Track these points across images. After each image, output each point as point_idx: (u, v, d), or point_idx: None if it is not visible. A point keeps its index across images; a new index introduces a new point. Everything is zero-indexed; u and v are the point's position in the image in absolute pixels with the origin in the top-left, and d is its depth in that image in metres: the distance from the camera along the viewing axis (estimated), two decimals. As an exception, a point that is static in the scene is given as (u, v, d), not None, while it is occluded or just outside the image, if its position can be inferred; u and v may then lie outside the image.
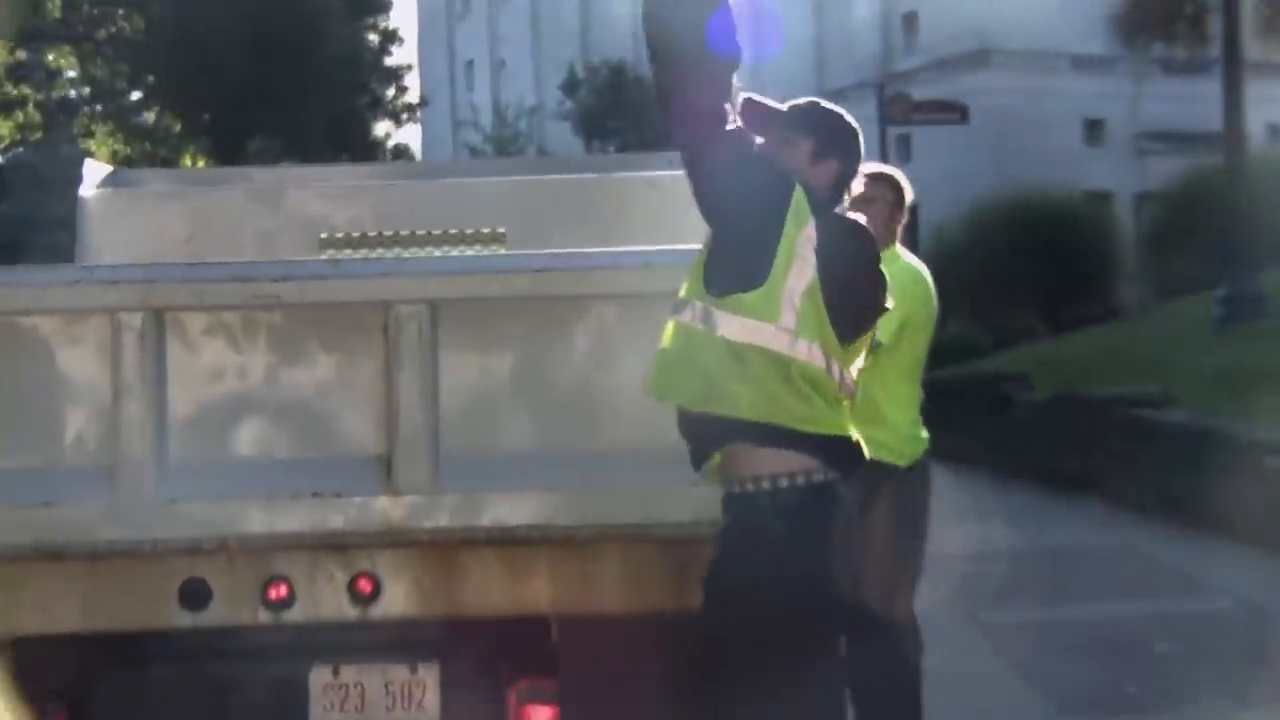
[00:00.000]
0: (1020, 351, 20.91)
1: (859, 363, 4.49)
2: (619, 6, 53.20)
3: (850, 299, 4.33)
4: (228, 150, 32.45)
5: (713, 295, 4.26)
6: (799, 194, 4.30)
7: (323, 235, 6.78)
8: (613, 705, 4.98)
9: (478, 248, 6.92)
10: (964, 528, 11.71)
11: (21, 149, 39.80)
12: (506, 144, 41.69)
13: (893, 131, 32.38)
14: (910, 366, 6.27)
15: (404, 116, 35.64)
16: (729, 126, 4.34)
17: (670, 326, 4.38)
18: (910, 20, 44.67)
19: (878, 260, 4.54)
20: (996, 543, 11.89)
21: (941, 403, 17.10)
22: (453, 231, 6.96)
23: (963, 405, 16.36)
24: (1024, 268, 24.04)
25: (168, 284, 4.75)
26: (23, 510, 4.74)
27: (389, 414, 4.83)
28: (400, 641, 4.99)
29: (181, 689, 4.97)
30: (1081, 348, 19.54)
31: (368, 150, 33.94)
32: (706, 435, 4.34)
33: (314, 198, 7.06)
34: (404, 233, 6.95)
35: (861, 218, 4.64)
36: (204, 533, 4.77)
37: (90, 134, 33.56)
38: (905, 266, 6.30)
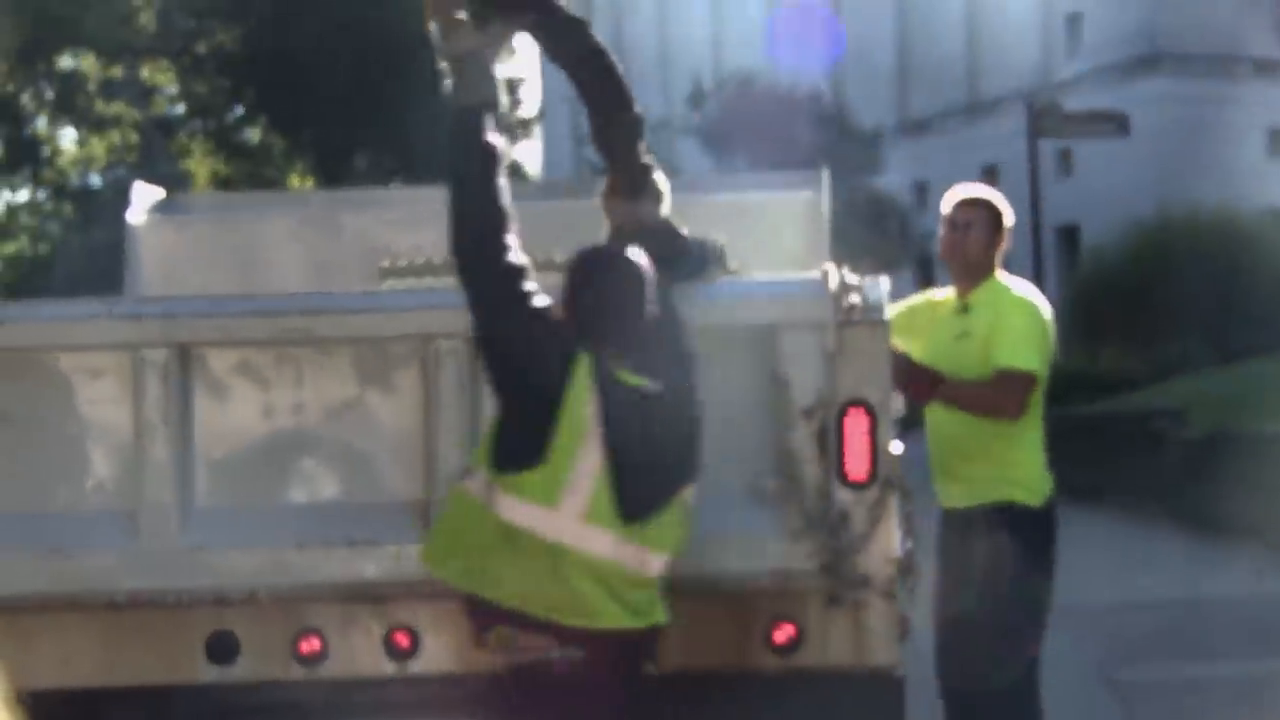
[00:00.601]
0: (1180, 383, 20.56)
1: (672, 533, 4.50)
2: (753, 11, 53.31)
3: (643, 475, 4.38)
4: (332, 168, 32.95)
5: (494, 470, 4.33)
6: (582, 363, 4.34)
7: (384, 264, 6.84)
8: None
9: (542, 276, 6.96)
10: (1099, 575, 11.55)
11: (121, 169, 40.85)
12: (631, 161, 41.73)
13: (1050, 146, 32.11)
14: (1038, 404, 6.21)
15: (519, 131, 35.94)
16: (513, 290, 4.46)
17: (455, 492, 4.45)
18: (1074, 22, 44.18)
19: (678, 422, 4.52)
20: (1136, 592, 11.70)
21: (1087, 440, 17.01)
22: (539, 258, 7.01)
23: (1109, 442, 16.07)
24: (1190, 292, 23.65)
25: (191, 318, 4.83)
26: (38, 557, 4.84)
27: (427, 456, 4.88)
28: (441, 699, 5.02)
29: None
30: (1247, 380, 19.18)
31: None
32: (475, 613, 4.45)
33: (375, 223, 7.15)
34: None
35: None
36: (231, 582, 4.85)
37: (189, 153, 34.25)
38: (1019, 302, 6.17)
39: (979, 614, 5.94)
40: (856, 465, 4.86)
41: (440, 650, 4.95)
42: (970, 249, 6.21)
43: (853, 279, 4.91)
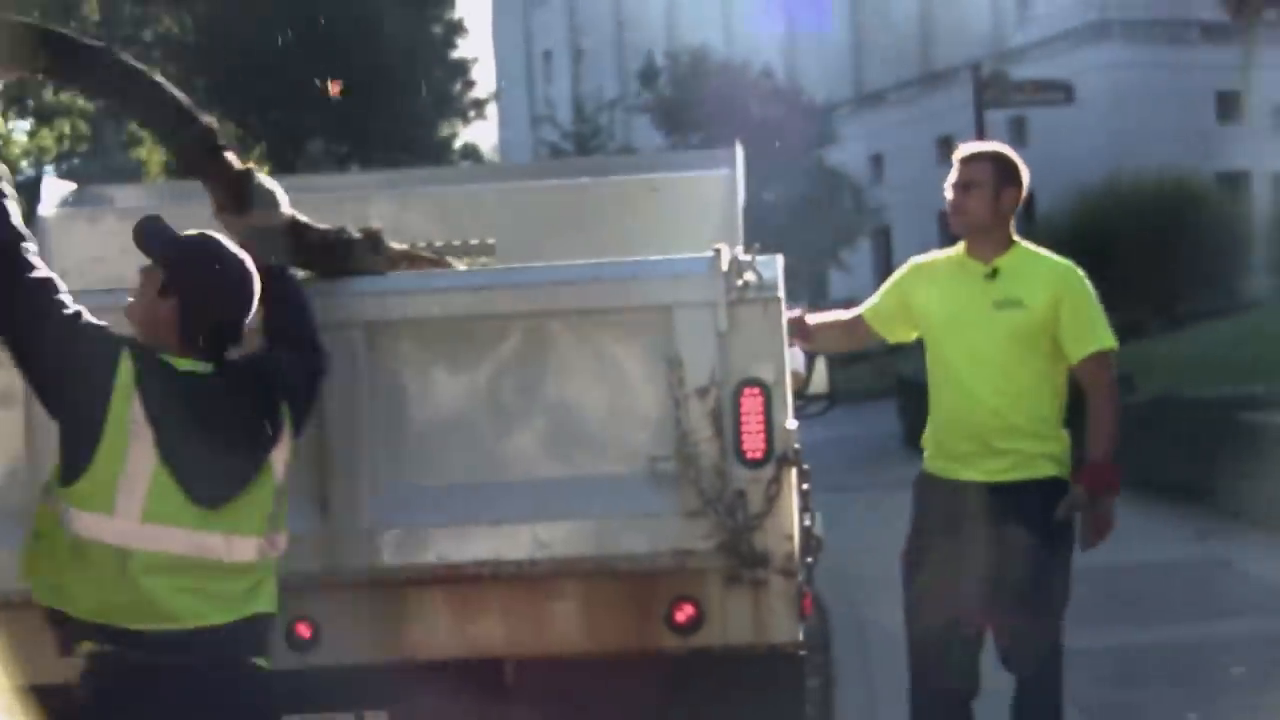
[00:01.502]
0: (1128, 348, 20.66)
1: (259, 511, 4.28)
2: (707, -12, 53.26)
3: (207, 461, 4.17)
4: (285, 155, 32.82)
5: (59, 485, 4.16)
6: (125, 363, 4.12)
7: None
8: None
9: (466, 260, 6.95)
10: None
11: (76, 160, 40.65)
12: (586, 140, 41.79)
13: (1001, 116, 32.19)
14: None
15: (472, 113, 35.87)
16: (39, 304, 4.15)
17: (38, 510, 4.25)
18: (1025, -9, 44.31)
19: (242, 399, 4.29)
20: (1077, 556, 11.76)
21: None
22: (439, 244, 7.00)
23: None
24: (1136, 258, 23.74)
25: (102, 311, 4.79)
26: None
27: (321, 449, 4.86)
28: (344, 688, 5.00)
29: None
30: (1195, 345, 19.28)
31: (435, 151, 34.16)
32: (59, 629, 4.22)
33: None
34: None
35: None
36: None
37: (139, 141, 34.06)
38: (1073, 273, 5.91)
39: (1040, 592, 5.79)
40: (752, 443, 4.87)
41: (341, 640, 4.94)
42: (973, 208, 5.91)
43: (746, 257, 4.91)
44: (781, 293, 4.94)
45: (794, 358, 5.93)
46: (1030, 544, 5.76)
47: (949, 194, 5.97)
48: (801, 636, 5.01)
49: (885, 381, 27.22)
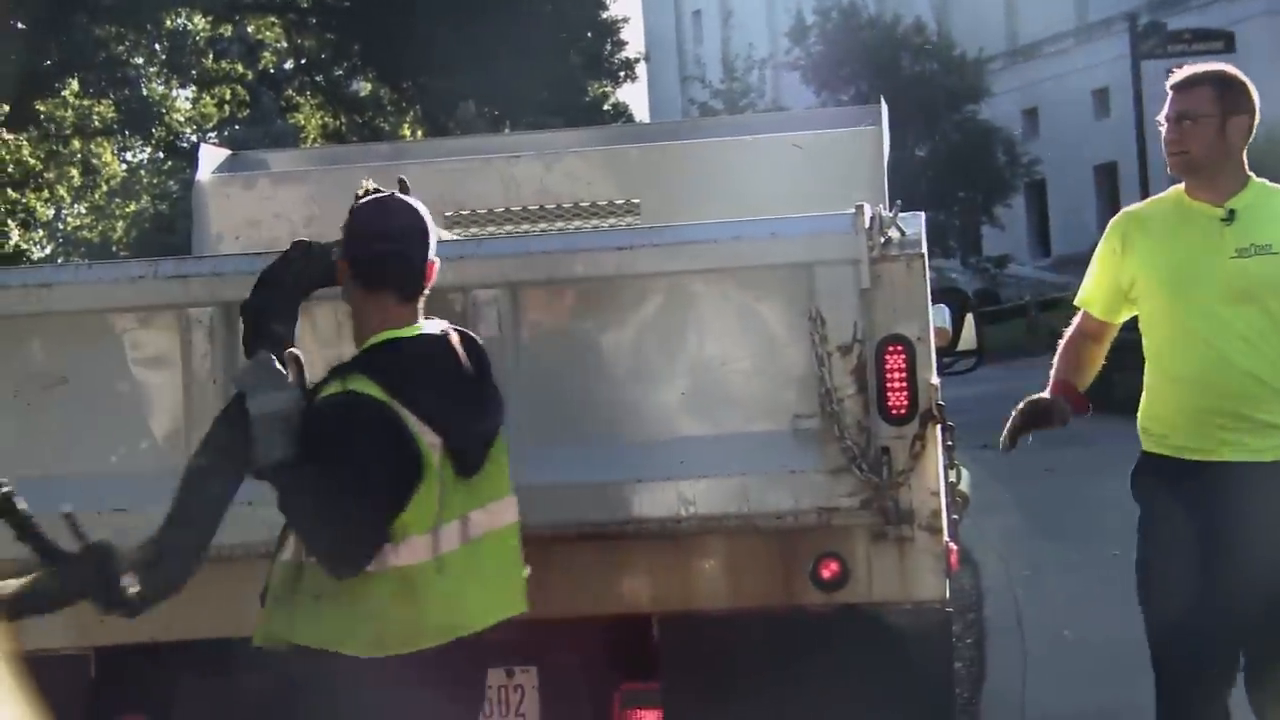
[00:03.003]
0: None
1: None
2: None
3: (461, 421, 4.04)
4: (440, 117, 33.09)
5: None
6: (396, 408, 3.93)
7: (447, 213, 6.89)
8: (719, 706, 4.99)
9: (612, 220, 7.00)
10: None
11: (237, 126, 41.30)
12: (736, 99, 41.67)
13: (1159, 67, 31.57)
14: None
15: (622, 74, 35.86)
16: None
17: (300, 572, 4.07)
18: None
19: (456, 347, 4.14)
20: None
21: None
22: (584, 204, 7.05)
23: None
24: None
25: (236, 277, 4.87)
26: (97, 517, 4.92)
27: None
28: (496, 645, 5.06)
29: (269, 697, 5.10)
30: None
31: (585, 112, 34.23)
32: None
33: (441, 173, 7.18)
34: (533, 207, 7.06)
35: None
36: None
37: (296, 108, 34.53)
38: None
39: None
40: (896, 400, 4.85)
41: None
42: (1195, 145, 5.09)
43: (888, 214, 4.88)
44: (924, 249, 4.91)
45: (940, 314, 5.89)
46: None
47: (1163, 129, 5.19)
48: (948, 593, 4.99)
49: (1039, 337, 26.93)
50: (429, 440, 3.93)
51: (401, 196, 4.23)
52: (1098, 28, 43.03)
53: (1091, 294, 5.31)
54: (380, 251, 4.10)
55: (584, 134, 9.00)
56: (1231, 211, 5.07)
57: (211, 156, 7.36)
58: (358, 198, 4.38)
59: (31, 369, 5.06)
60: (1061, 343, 5.41)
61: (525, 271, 4.99)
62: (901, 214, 4.93)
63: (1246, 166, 5.16)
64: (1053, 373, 5.34)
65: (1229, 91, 5.13)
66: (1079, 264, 5.13)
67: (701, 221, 5.31)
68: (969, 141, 37.20)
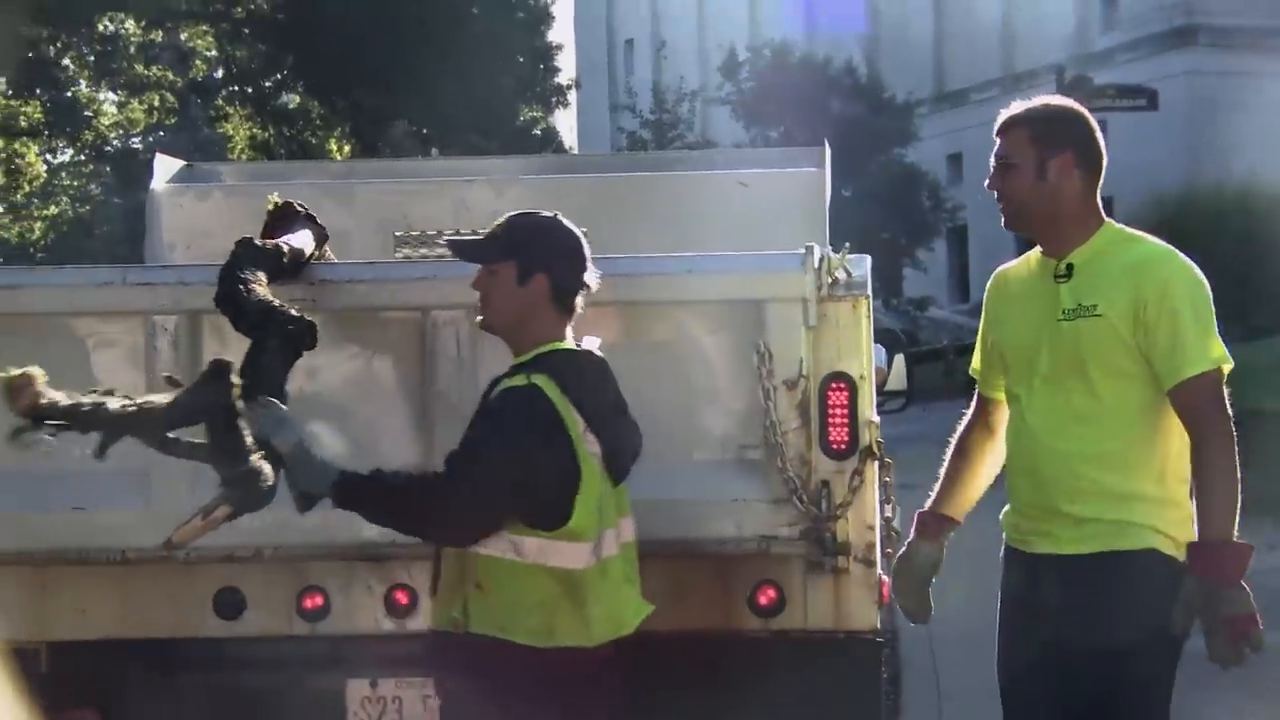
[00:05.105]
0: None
1: None
2: (791, -19, 53.24)
3: (614, 434, 4.40)
4: (370, 135, 33.17)
5: (531, 529, 4.29)
6: (565, 411, 4.24)
7: (397, 233, 7.03)
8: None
9: None
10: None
11: (162, 133, 41.16)
12: (666, 130, 41.94)
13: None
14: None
15: (554, 100, 36.08)
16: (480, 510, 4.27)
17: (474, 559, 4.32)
18: (1109, -7, 44.15)
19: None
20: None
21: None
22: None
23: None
24: (1213, 267, 23.63)
25: (202, 286, 5.01)
26: (55, 515, 5.06)
27: (425, 423, 5.07)
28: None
29: (215, 699, 5.24)
30: (1269, 356, 19.27)
31: (516, 135, 34.40)
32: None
33: (391, 193, 7.32)
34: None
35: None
36: (239, 541, 5.04)
37: (225, 117, 34.49)
38: (1146, 253, 4.55)
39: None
40: (837, 435, 5.04)
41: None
42: (1012, 192, 4.60)
43: (835, 256, 5.08)
44: (869, 291, 5.11)
45: (877, 354, 6.08)
46: (1114, 642, 4.46)
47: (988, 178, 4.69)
48: (879, 624, 5.18)
49: (956, 380, 27.28)
50: (591, 448, 4.23)
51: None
52: (1024, 78, 43.61)
53: (975, 363, 5.00)
54: (581, 280, 4.42)
55: (533, 162, 9.14)
56: (1069, 267, 4.56)
57: (166, 166, 7.46)
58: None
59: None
60: (956, 432, 5.08)
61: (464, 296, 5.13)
62: (848, 255, 5.12)
63: (1100, 212, 4.60)
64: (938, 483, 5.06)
65: (1046, 129, 4.59)
66: None
67: (652, 254, 5.48)
68: (894, 184, 37.63)
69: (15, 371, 3.86)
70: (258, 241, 4.70)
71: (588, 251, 4.49)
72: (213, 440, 4.13)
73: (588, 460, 4.25)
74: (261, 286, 4.34)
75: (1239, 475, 4.35)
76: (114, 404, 3.94)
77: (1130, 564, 4.45)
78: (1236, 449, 4.36)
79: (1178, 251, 4.53)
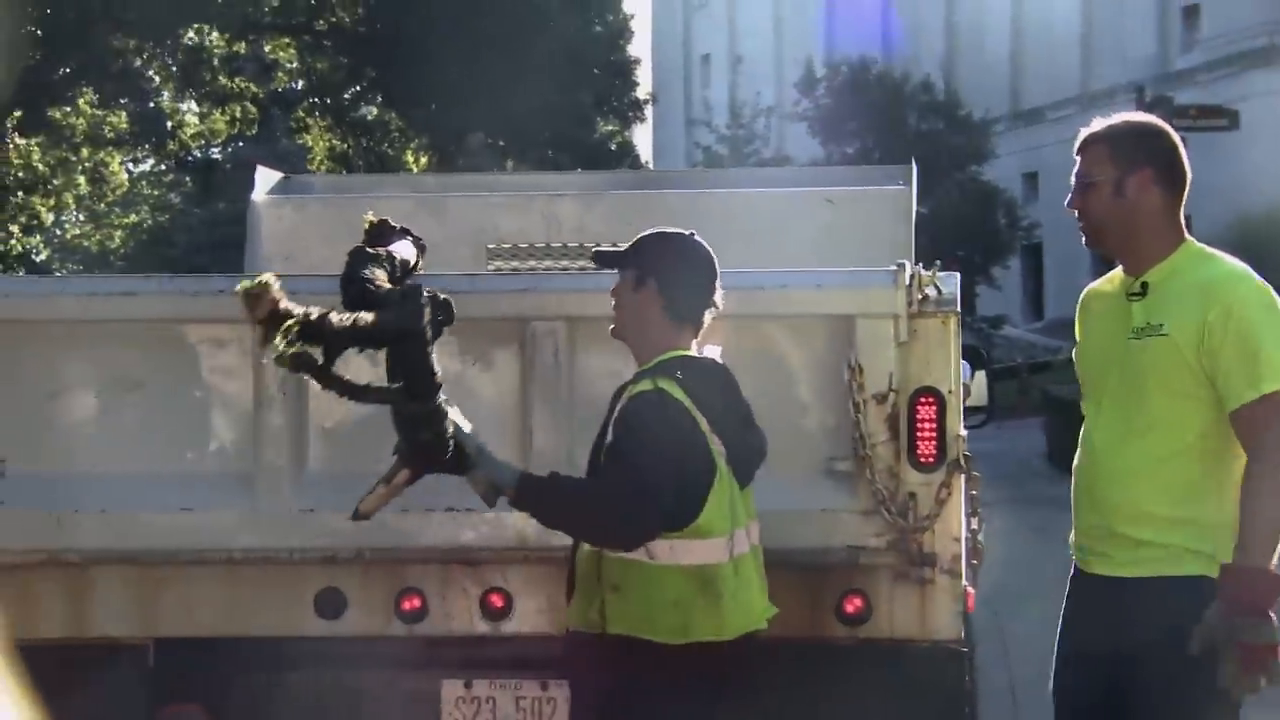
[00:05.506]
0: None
1: None
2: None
3: (739, 441, 4.57)
4: (447, 147, 33.42)
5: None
6: (691, 410, 4.43)
7: (489, 245, 7.20)
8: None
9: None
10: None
11: (240, 144, 41.60)
12: (741, 145, 42.09)
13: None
14: None
15: (631, 114, 36.22)
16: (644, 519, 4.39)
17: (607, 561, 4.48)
18: (1191, 13, 43.91)
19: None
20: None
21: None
22: (622, 244, 7.33)
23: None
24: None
25: (309, 295, 5.17)
26: (165, 516, 5.25)
27: (523, 430, 5.23)
28: (532, 658, 5.35)
29: (314, 697, 5.39)
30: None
31: (592, 149, 34.59)
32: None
33: (482, 206, 7.50)
34: (573, 244, 7.36)
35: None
36: (340, 543, 5.21)
37: (305, 128, 34.82)
38: (1219, 274, 4.48)
39: None
40: (926, 448, 5.17)
41: (532, 611, 5.30)
42: (1092, 209, 4.57)
43: (925, 273, 5.19)
44: (958, 308, 5.23)
45: (963, 371, 6.19)
46: (1163, 669, 4.37)
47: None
48: (964, 634, 5.29)
49: (1030, 399, 27.32)
50: (717, 447, 4.39)
51: (703, 241, 4.67)
52: (1101, 96, 43.47)
53: None
54: (700, 293, 4.60)
55: (620, 177, 9.31)
56: (1144, 285, 4.53)
57: (265, 178, 7.66)
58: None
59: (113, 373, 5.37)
60: None
61: (583, 307, 5.29)
62: (939, 273, 5.25)
63: (1181, 230, 4.56)
64: None
65: (1126, 146, 4.56)
66: (1070, 328, 5.02)
67: (747, 269, 5.60)
68: (970, 201, 37.61)
69: (254, 281, 4.02)
70: (369, 249, 4.86)
71: (714, 267, 4.64)
72: (402, 371, 4.28)
73: (719, 458, 4.39)
74: (384, 284, 4.49)
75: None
76: (334, 317, 4.10)
77: (1182, 590, 4.36)
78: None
79: (1252, 273, 4.48)
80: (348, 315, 4.14)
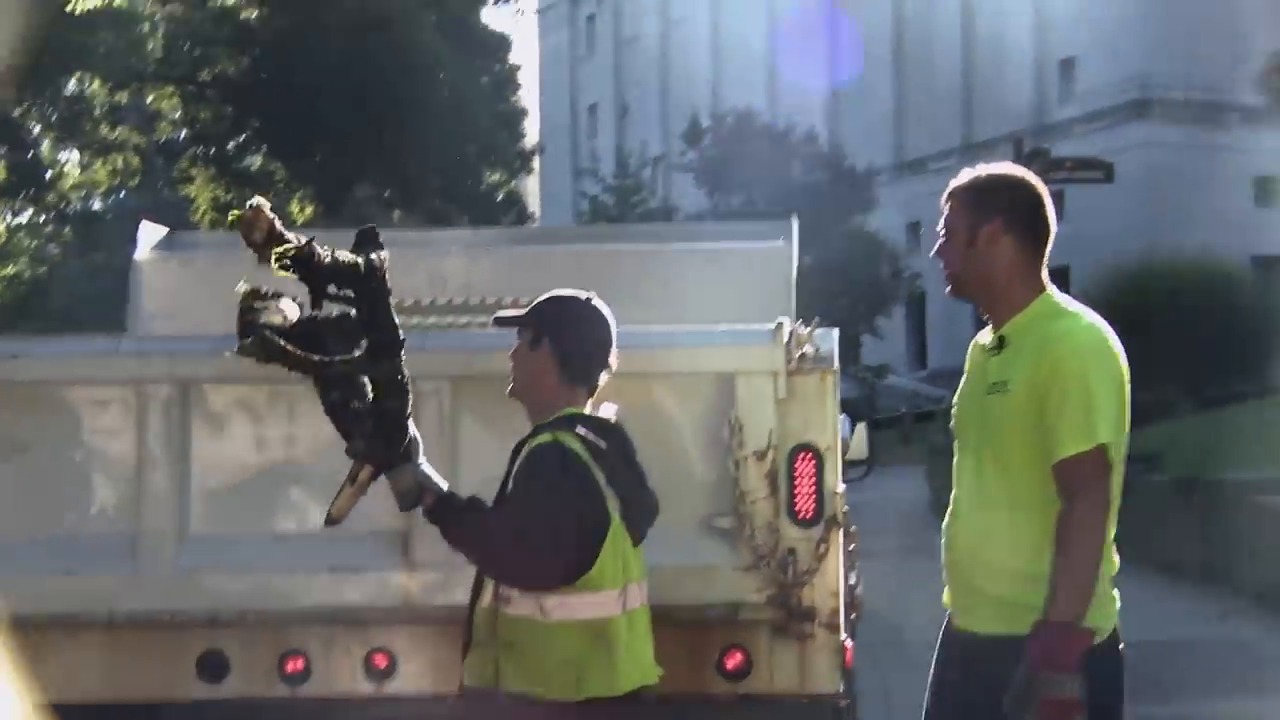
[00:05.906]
0: (1156, 428, 20.91)
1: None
2: (753, 49, 53.72)
3: (636, 500, 4.56)
4: (333, 198, 33.32)
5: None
6: (591, 466, 4.45)
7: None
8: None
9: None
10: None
11: (123, 194, 41.24)
12: (628, 194, 42.26)
13: (1040, 188, 32.37)
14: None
15: (518, 165, 36.33)
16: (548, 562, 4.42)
17: (499, 618, 4.48)
18: (1068, 67, 44.74)
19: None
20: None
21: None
22: (508, 300, 7.39)
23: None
24: (1169, 338, 23.96)
25: (194, 357, 5.20)
26: (43, 579, 5.21)
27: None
28: (415, 718, 5.36)
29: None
30: (1222, 427, 19.54)
31: (479, 200, 34.62)
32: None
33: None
34: (458, 301, 7.39)
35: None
36: (223, 605, 5.20)
37: (189, 179, 34.60)
38: (1056, 329, 4.32)
39: None
40: (804, 504, 5.24)
41: (415, 672, 5.31)
42: (949, 258, 4.48)
43: (804, 330, 5.28)
44: (836, 364, 5.32)
45: (843, 425, 6.28)
46: None
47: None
48: (843, 687, 5.36)
49: (914, 448, 27.59)
50: (612, 502, 4.40)
51: (601, 304, 4.66)
52: (981, 148, 44.09)
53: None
54: (592, 354, 4.59)
55: (507, 233, 9.36)
56: (1001, 339, 4.44)
57: (149, 234, 7.63)
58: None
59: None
60: None
61: (465, 366, 5.33)
62: (817, 330, 5.34)
63: (1040, 282, 4.42)
64: None
65: (979, 196, 4.44)
66: (954, 377, 4.85)
67: (630, 326, 5.66)
68: (854, 251, 37.98)
69: (247, 206, 4.02)
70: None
71: (609, 330, 4.62)
72: (374, 318, 4.32)
73: (614, 511, 4.43)
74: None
75: (1098, 559, 4.20)
76: (320, 250, 4.12)
77: (1020, 650, 4.19)
78: (1102, 534, 4.23)
79: (1097, 326, 4.36)
80: (327, 251, 4.16)
